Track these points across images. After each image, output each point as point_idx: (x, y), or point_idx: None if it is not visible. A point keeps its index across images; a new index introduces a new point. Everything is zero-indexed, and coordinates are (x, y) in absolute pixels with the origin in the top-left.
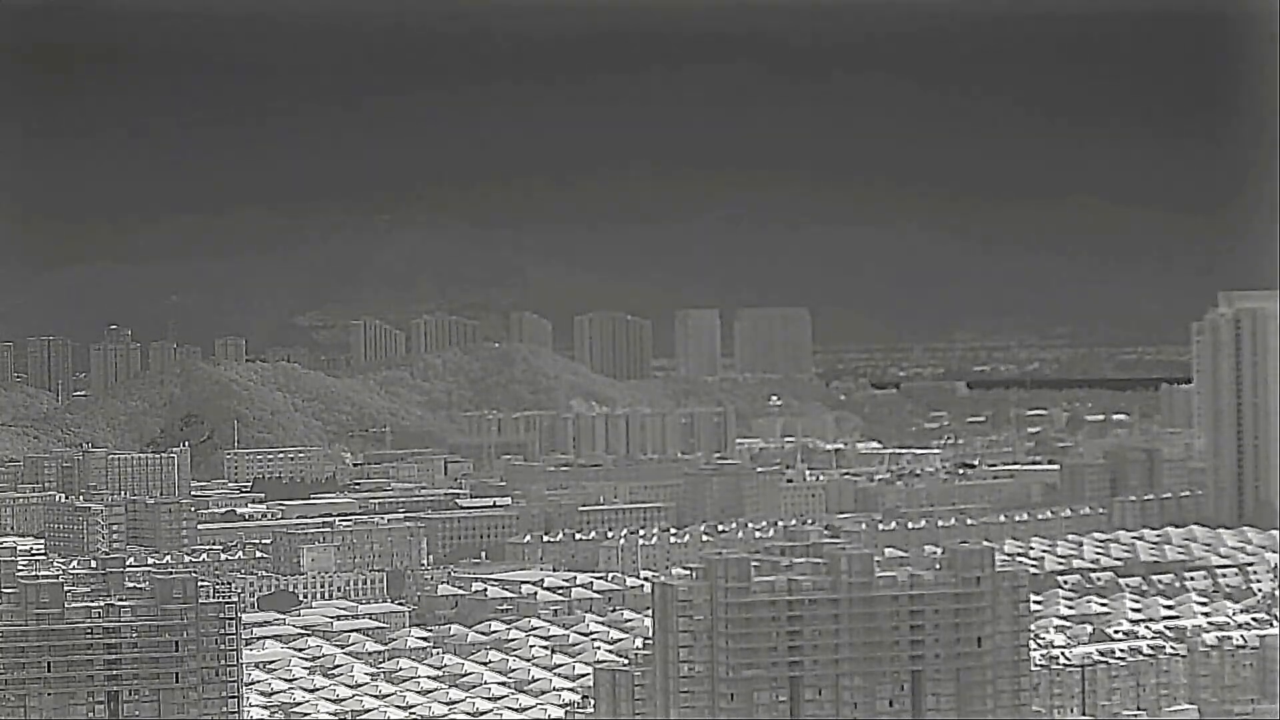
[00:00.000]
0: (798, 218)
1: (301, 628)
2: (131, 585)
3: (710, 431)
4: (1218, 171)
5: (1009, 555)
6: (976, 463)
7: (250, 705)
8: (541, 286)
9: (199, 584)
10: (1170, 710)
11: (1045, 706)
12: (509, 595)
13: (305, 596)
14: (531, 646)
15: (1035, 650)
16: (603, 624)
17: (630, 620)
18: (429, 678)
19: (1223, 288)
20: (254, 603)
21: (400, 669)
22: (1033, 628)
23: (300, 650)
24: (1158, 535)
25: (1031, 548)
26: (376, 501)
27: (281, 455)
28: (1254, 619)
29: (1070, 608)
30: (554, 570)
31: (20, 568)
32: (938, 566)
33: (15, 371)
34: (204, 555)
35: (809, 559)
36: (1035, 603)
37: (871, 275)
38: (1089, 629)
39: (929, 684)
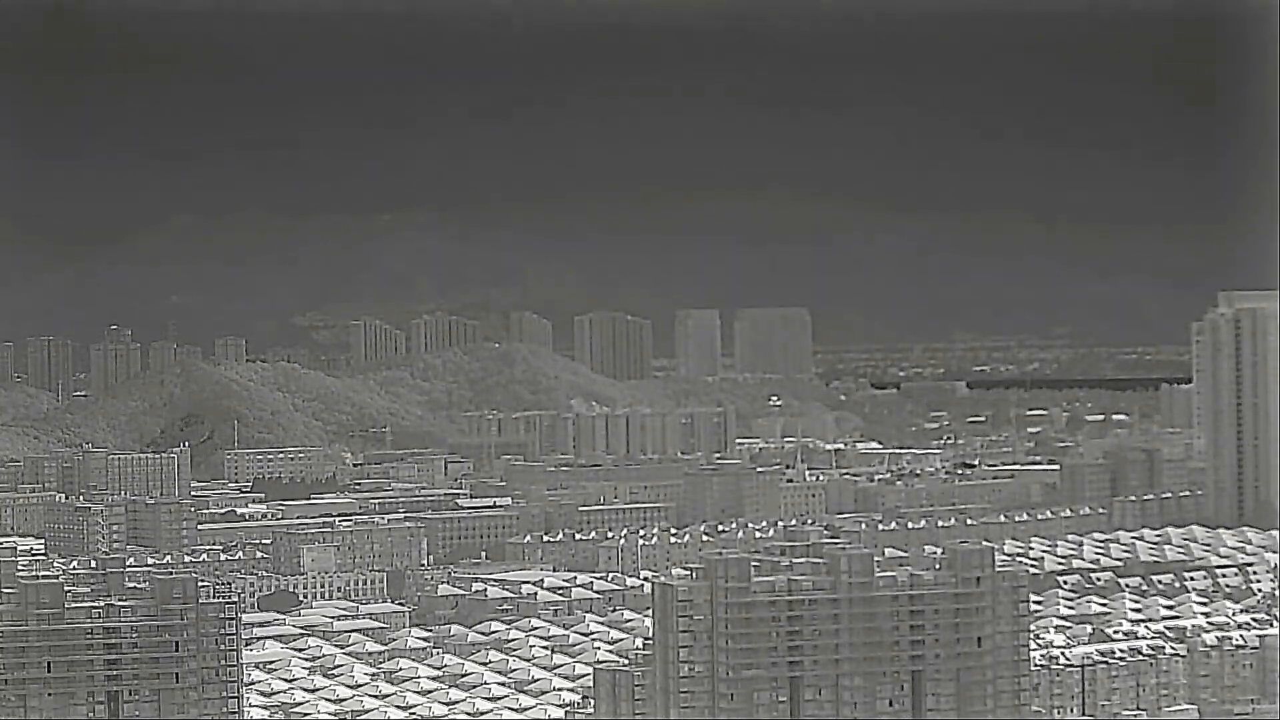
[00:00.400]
0: (798, 218)
1: (301, 628)
2: (131, 585)
3: (710, 431)
4: (1218, 172)
5: (1009, 555)
6: (976, 463)
7: (250, 705)
8: (541, 286)
9: (199, 584)
10: (1170, 710)
11: (1045, 706)
12: (509, 595)
13: (305, 596)
14: (531, 646)
15: (1035, 650)
16: (603, 624)
17: (630, 620)
18: (429, 678)
19: (1223, 288)
20: (254, 603)
21: (400, 669)
22: (1033, 628)
23: (300, 650)
24: (1158, 535)
25: (1031, 548)
26: (376, 501)
27: (281, 455)
28: (1254, 619)
29: (1070, 608)
30: (554, 570)
31: (20, 568)
32: (938, 566)
33: (15, 371)
34: (204, 555)
35: (809, 559)
36: (1035, 603)
37: (871, 275)
38: (1089, 629)
39: (929, 684)
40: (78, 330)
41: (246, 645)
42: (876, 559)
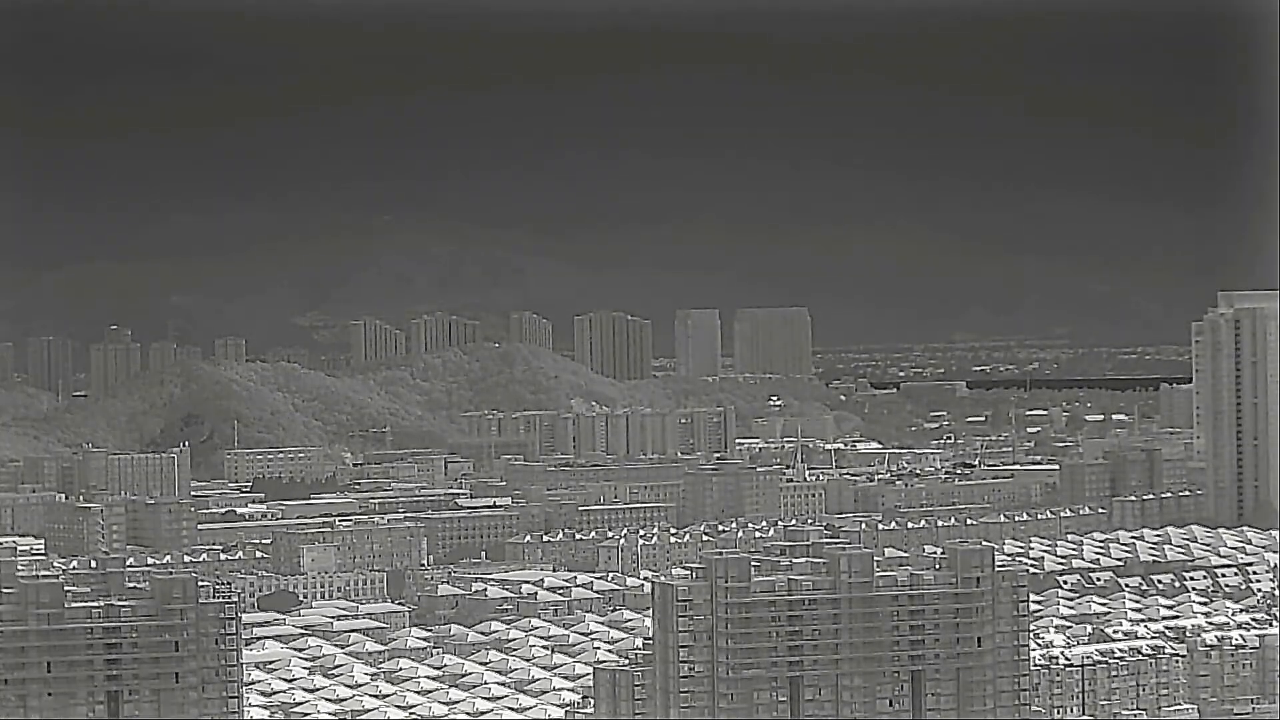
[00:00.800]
0: (797, 218)
1: (301, 628)
2: (131, 585)
3: (710, 431)
4: (1217, 171)
5: (1009, 555)
6: (976, 463)
7: (250, 705)
8: (541, 286)
9: (199, 584)
10: (1170, 710)
11: (1045, 706)
12: (509, 595)
13: (305, 596)
14: (531, 646)
15: (1035, 650)
16: (603, 624)
17: (630, 620)
18: (429, 678)
19: (1223, 288)
20: (254, 603)
21: (400, 669)
22: (1033, 628)
23: (300, 650)
24: (1158, 535)
25: (1031, 548)
26: (376, 501)
27: (281, 455)
28: (1254, 619)
29: (1070, 608)
30: (554, 570)
31: (20, 568)
32: (938, 566)
33: (15, 371)
34: (204, 555)
35: (809, 559)
36: (1035, 603)
37: (871, 275)
38: (1089, 629)
39: (929, 684)
40: (78, 330)
41: (246, 645)
42: (876, 559)
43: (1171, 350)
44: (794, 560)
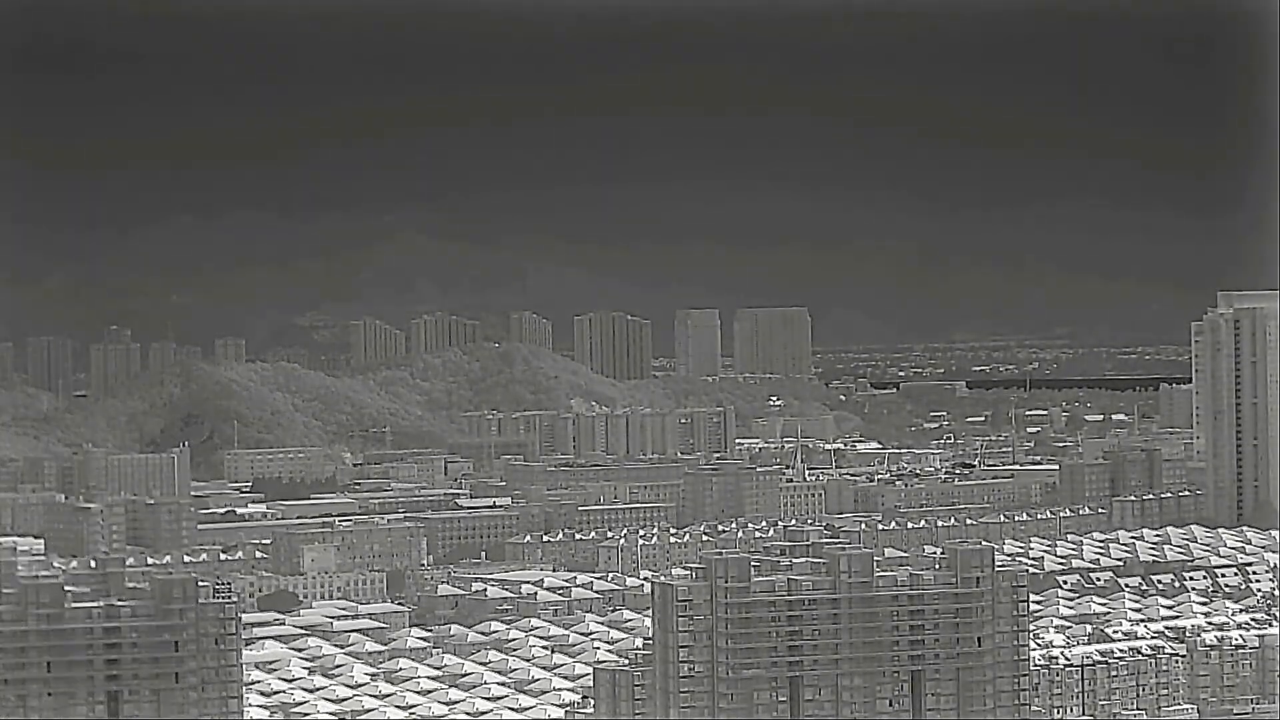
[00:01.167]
0: (798, 218)
1: (301, 628)
2: (131, 585)
3: (710, 431)
4: (1217, 172)
5: (1009, 555)
6: (976, 463)
7: (250, 705)
8: (541, 286)
9: (199, 584)
10: (1170, 710)
11: (1045, 706)
12: (509, 595)
13: (305, 596)
14: (531, 646)
15: (1035, 650)
16: (603, 624)
17: (630, 620)
18: (429, 678)
19: (1223, 288)
20: (254, 603)
21: (400, 669)
22: (1033, 628)
23: (300, 650)
24: (1158, 535)
25: (1031, 548)
26: (376, 501)
27: (281, 455)
28: (1254, 619)
29: (1070, 608)
30: (554, 570)
31: (20, 568)
32: (938, 566)
33: (15, 371)
34: (204, 555)
35: (809, 559)
36: (1035, 603)
37: (871, 275)
38: (1089, 629)
39: (929, 684)
40: (78, 330)
41: (246, 645)
42: (876, 559)
43: (1171, 350)
44: (794, 560)
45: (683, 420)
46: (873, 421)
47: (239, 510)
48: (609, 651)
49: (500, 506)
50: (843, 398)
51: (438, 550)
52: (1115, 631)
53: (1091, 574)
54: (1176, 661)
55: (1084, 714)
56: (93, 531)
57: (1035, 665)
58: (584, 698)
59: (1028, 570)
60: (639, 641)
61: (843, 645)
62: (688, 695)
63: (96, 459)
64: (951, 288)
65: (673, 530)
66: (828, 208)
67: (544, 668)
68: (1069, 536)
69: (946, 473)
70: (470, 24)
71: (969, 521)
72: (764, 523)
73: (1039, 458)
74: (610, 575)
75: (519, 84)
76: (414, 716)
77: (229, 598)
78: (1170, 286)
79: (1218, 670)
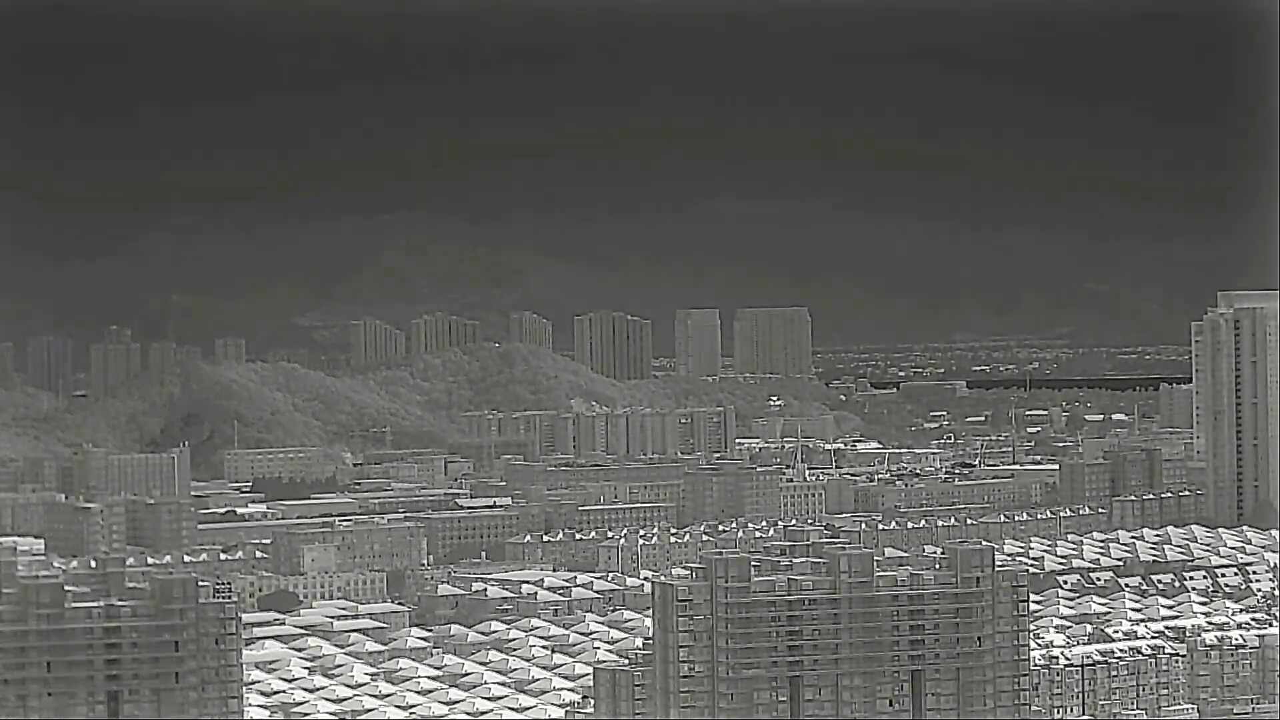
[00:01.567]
0: (798, 217)
1: (301, 628)
2: (131, 585)
3: (710, 431)
4: (1217, 171)
5: (1009, 555)
6: (976, 463)
7: (250, 705)
8: (541, 286)
9: (199, 584)
10: (1170, 710)
11: (1045, 706)
12: (509, 595)
13: (305, 596)
14: (531, 646)
15: (1035, 650)
16: (603, 624)
17: (630, 620)
18: (429, 678)
19: (1223, 288)
20: (254, 603)
21: (400, 669)
22: (1033, 628)
23: (300, 650)
24: (1158, 535)
25: (1031, 548)
26: (376, 501)
27: (281, 455)
28: (1254, 619)
29: (1070, 608)
30: (554, 570)
31: (20, 568)
32: (938, 566)
33: (15, 371)
34: (204, 555)
35: (809, 559)
36: (1035, 603)
37: (871, 275)
38: (1089, 629)
39: (929, 684)
40: (78, 330)
41: (246, 645)
42: (876, 559)
43: (1171, 350)
44: (794, 560)
45: (683, 420)
46: (873, 421)
47: (239, 510)
48: (609, 651)
49: (500, 506)
50: (843, 398)
51: (438, 550)
52: (1115, 631)
53: (1091, 574)
54: (1176, 661)
55: (1084, 714)
56: (93, 531)
57: (1035, 665)
58: (584, 698)
59: (1028, 570)
60: (639, 641)
61: (843, 645)
62: (688, 695)
63: (96, 459)
64: (951, 288)
65: (673, 530)
66: (828, 207)
67: (544, 668)
68: (1069, 536)
69: (946, 473)
70: (471, 24)
71: (969, 521)
72: (764, 523)
73: (1039, 458)
74: (610, 575)
75: (519, 84)
76: (414, 716)
77: (229, 598)
78: (1170, 286)
79: (1218, 670)
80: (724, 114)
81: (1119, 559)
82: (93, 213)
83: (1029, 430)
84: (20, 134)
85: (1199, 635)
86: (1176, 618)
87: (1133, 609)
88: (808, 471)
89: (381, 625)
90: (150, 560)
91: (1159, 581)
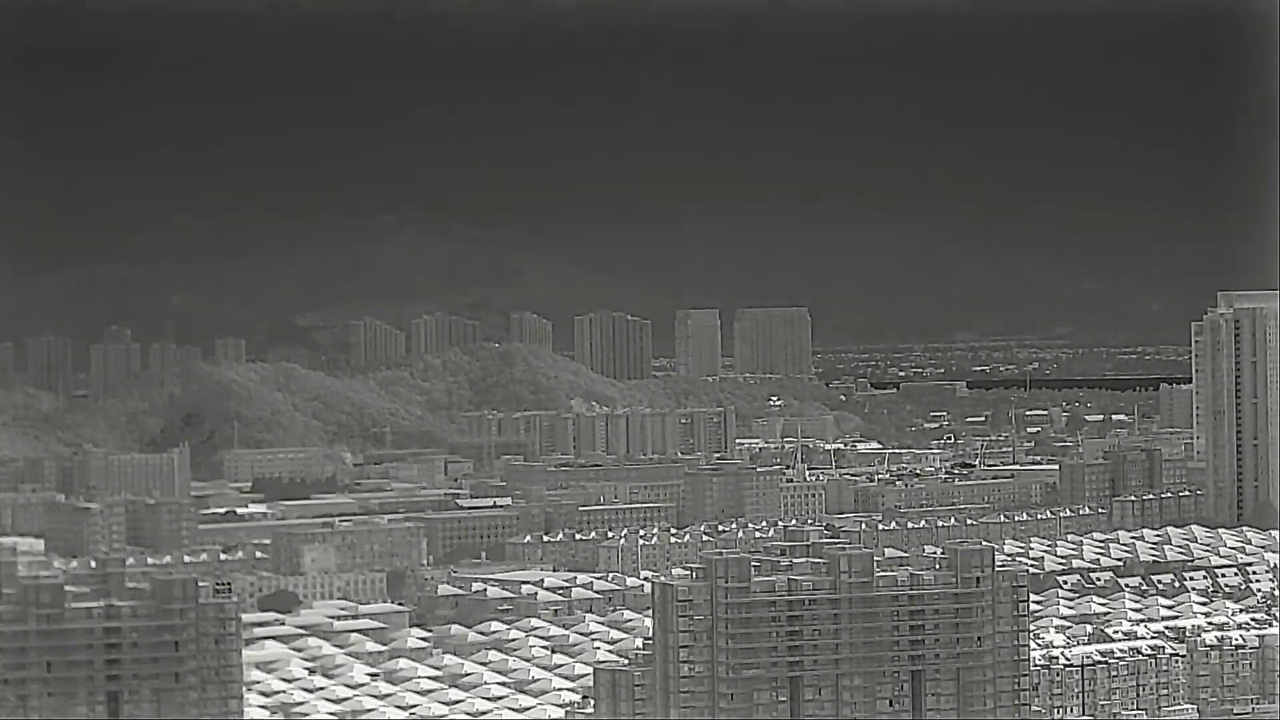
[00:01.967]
0: (797, 218)
1: (301, 628)
2: (131, 585)
3: (710, 431)
4: (1218, 172)
5: (1009, 555)
6: (976, 463)
7: (250, 705)
8: (541, 286)
9: (199, 584)
10: (1170, 710)
11: (1045, 706)
12: (509, 595)
13: (305, 596)
14: (531, 646)
15: (1035, 650)
16: (603, 624)
17: (630, 620)
18: (429, 678)
19: (1223, 288)
20: (254, 603)
21: (400, 669)
22: (1033, 628)
23: (300, 650)
24: (1158, 535)
25: (1031, 548)
26: (376, 501)
27: (281, 455)
28: (1254, 619)
29: (1070, 608)
30: (554, 570)
31: (20, 568)
32: (938, 566)
33: (15, 371)
34: (204, 555)
35: (809, 559)
36: (1035, 603)
37: (871, 275)
38: (1089, 629)
39: (929, 684)
40: (78, 330)
41: (246, 645)
42: (876, 559)
43: (1171, 350)
44: (794, 560)
45: (683, 420)
46: (873, 421)
47: (239, 510)
48: (609, 651)
49: (500, 506)
50: (843, 398)
51: (438, 550)
52: (1115, 631)
53: (1091, 574)
54: (1176, 661)
55: (1084, 714)
56: (93, 531)
57: (1035, 665)
58: (584, 698)
59: (1028, 570)
60: (639, 641)
61: (843, 645)
62: (688, 695)
63: (96, 459)
64: (951, 288)
65: (673, 530)
66: (828, 207)
67: (544, 668)
68: (1069, 536)
69: (946, 473)
70: (471, 23)
71: (969, 521)
72: (764, 523)
73: (1039, 458)
74: (610, 575)
75: (520, 84)
76: (414, 716)
77: (229, 598)
78: (1170, 286)
79: (1218, 670)
80: (724, 114)
81: (1119, 559)
82: (93, 213)
83: (1029, 430)
84: (20, 134)
85: (1199, 635)
86: (1176, 618)
87: (1133, 609)
88: (808, 471)
89: (381, 625)
90: (150, 560)
91: (1159, 581)
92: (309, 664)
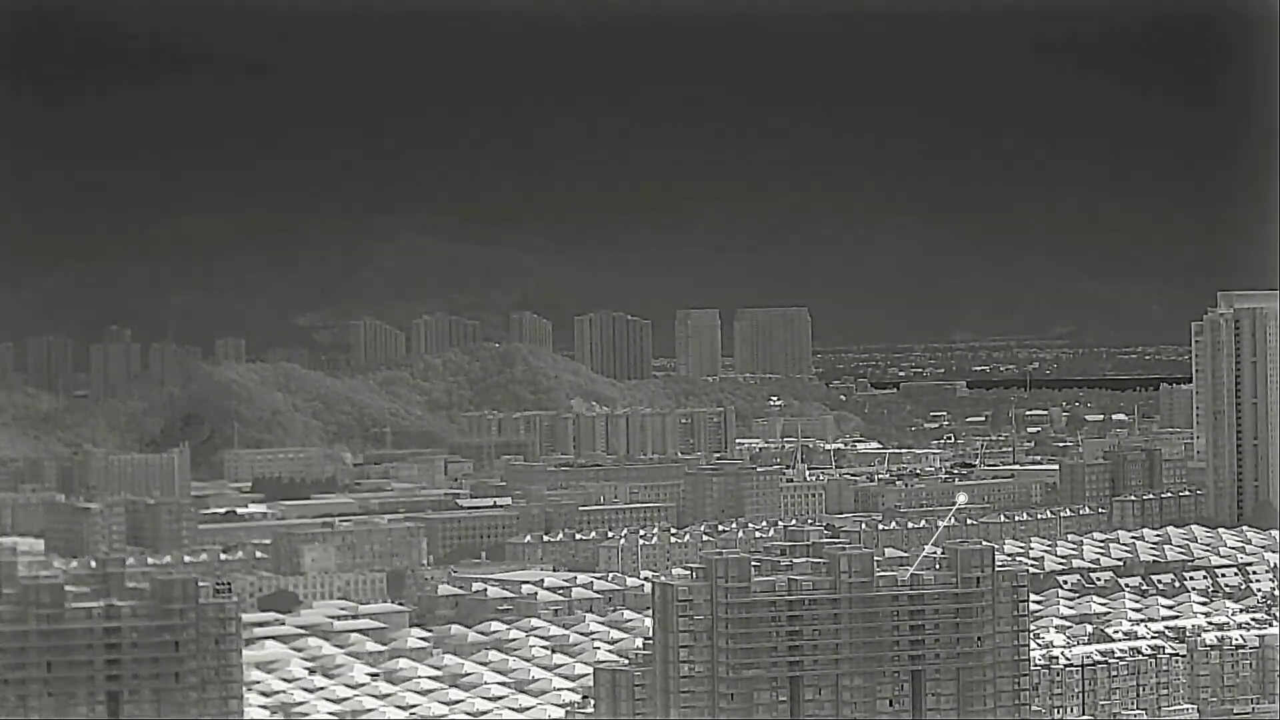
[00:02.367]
0: (798, 218)
1: (301, 628)
2: (131, 585)
3: (710, 431)
4: (1218, 171)
5: (1009, 555)
6: (976, 463)
7: (250, 705)
8: (541, 286)
9: (199, 584)
10: (1170, 710)
11: (1045, 706)
12: (509, 595)
13: (305, 596)
14: (531, 646)
15: (1035, 650)
16: (603, 624)
17: (630, 620)
18: (429, 678)
19: (1223, 288)
20: (254, 603)
21: (400, 669)
22: (1033, 628)
23: (300, 650)
24: (1158, 535)
25: (1031, 548)
26: (376, 501)
27: (281, 455)
28: (1254, 619)
29: (1070, 608)
30: (554, 570)
31: (20, 568)
32: (938, 566)
33: (15, 371)
34: (204, 555)
35: (809, 559)
36: (1035, 603)
37: (871, 275)
38: (1089, 629)
39: (929, 684)
40: (78, 330)
41: (246, 645)
42: (876, 559)
43: (1171, 350)
44: (794, 560)
45: (683, 420)
46: (873, 421)
47: (239, 510)
48: (609, 651)
49: (500, 506)
50: (843, 398)
51: (438, 550)
52: (1115, 631)
53: (1091, 574)
54: (1176, 661)
55: (1084, 714)
56: (93, 531)
57: (1035, 665)
58: (584, 698)
59: (1028, 570)
60: (639, 641)
61: (843, 645)
62: (688, 695)
63: (96, 459)
64: (951, 288)
65: (673, 530)
66: (828, 207)
67: (544, 668)
68: (1069, 536)
69: (946, 473)
70: (471, 23)
71: (969, 521)
72: (764, 523)
73: (1039, 458)
74: (610, 575)
75: (519, 84)
76: (414, 716)
77: (229, 598)
78: (1170, 286)
79: (1218, 670)
80: (724, 114)
81: (1119, 559)
82: (93, 213)
83: (1029, 430)
84: (20, 133)
85: (1199, 635)
86: (1176, 618)
87: (1133, 609)
88: (808, 471)
89: (381, 625)
90: (150, 560)
91: (1159, 581)
92: (309, 664)
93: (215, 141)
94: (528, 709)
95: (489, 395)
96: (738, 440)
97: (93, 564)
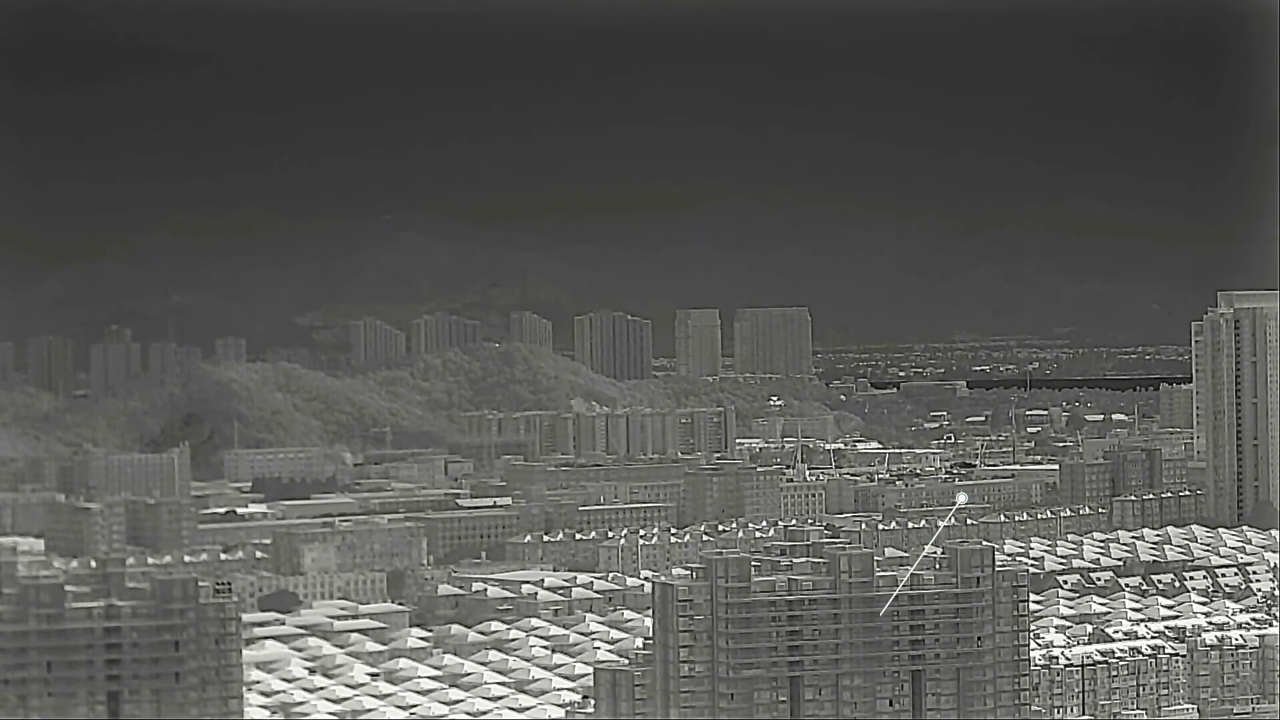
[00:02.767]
0: (798, 217)
1: (301, 628)
2: (132, 585)
3: (710, 431)
4: (1218, 172)
5: (1009, 555)
6: (976, 463)
7: (250, 705)
8: (541, 286)
9: (199, 584)
10: (1170, 710)
11: (1045, 706)
12: (509, 595)
13: (305, 596)
14: (531, 646)
15: (1035, 650)
16: (603, 624)
17: (630, 620)
18: (429, 678)
19: (1223, 288)
20: (254, 603)
21: (400, 669)
22: (1033, 628)
23: (300, 650)
24: (1158, 535)
25: (1031, 548)
26: (376, 501)
27: (281, 455)
28: (1254, 619)
29: (1070, 608)
30: (554, 570)
31: (20, 568)
32: (938, 566)
33: (15, 371)
34: (204, 555)
35: (809, 559)
36: (1035, 603)
37: (871, 275)
38: (1089, 629)
39: (929, 684)
40: (78, 330)
41: (246, 645)
42: (876, 559)
43: (1171, 350)
44: (794, 560)
45: (683, 420)
46: (873, 421)
47: (239, 510)
48: (609, 651)
49: (500, 506)
50: (843, 398)
51: (438, 550)
52: (1115, 631)
53: (1092, 574)
54: (1176, 661)
55: (1084, 714)
56: (93, 531)
57: (1035, 665)
58: (584, 698)
59: (1028, 570)
60: (639, 641)
61: (843, 645)
62: (688, 695)
63: (96, 459)
64: (951, 288)
65: (673, 530)
66: (828, 208)
67: (544, 668)
68: (1069, 536)
69: (946, 473)
70: (471, 23)
71: (969, 521)
72: (764, 523)
73: (1039, 458)
74: (610, 575)
75: (519, 84)
76: (414, 716)
77: (229, 598)
78: (1170, 286)
79: (1218, 670)
80: (725, 114)
81: (1119, 559)
82: (93, 213)
83: (1029, 430)
84: (20, 134)
85: (1199, 635)
86: (1176, 618)
87: (1133, 609)
88: (808, 471)
89: (381, 625)
90: (150, 560)
91: (1159, 581)
92: (309, 664)
93: (215, 141)
94: (528, 709)
95: (489, 395)
96: (738, 440)
97: (93, 564)
